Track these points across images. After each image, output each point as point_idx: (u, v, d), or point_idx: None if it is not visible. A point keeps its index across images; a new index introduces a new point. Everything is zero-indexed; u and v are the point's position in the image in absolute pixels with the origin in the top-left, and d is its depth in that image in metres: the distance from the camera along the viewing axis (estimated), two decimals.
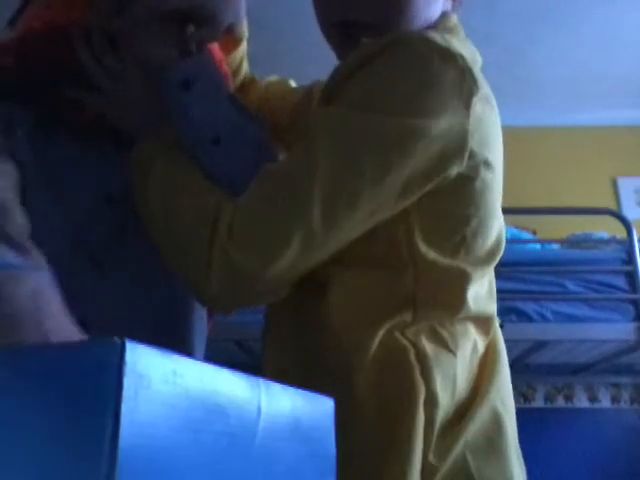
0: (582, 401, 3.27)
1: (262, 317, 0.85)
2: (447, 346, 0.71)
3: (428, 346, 0.70)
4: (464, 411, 0.70)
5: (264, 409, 0.36)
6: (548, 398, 3.28)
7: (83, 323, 0.73)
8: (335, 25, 0.82)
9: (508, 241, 3.19)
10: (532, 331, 2.38)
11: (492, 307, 0.81)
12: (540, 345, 2.53)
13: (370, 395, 0.68)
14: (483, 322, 0.78)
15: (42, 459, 0.28)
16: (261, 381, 0.36)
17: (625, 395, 3.28)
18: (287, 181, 0.68)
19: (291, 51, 3.17)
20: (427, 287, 0.72)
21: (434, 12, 0.82)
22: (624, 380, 3.27)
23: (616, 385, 3.29)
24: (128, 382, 0.27)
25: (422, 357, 0.68)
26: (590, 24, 3.12)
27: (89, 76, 0.78)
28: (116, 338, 0.28)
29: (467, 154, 0.70)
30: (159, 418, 0.29)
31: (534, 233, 3.23)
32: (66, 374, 0.29)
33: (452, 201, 0.73)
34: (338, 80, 0.75)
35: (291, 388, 0.39)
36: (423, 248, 0.71)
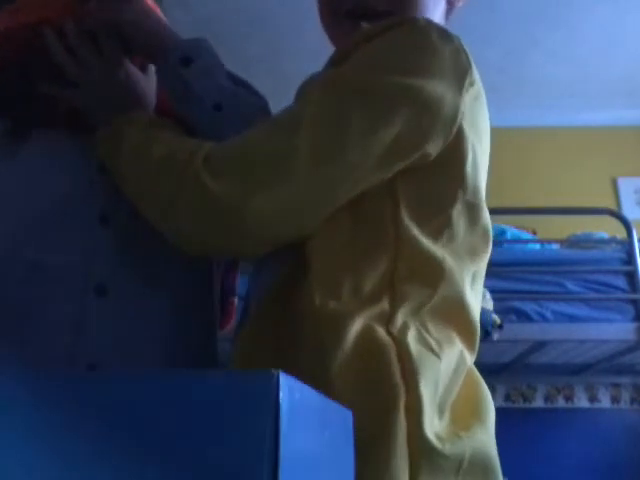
0: (582, 401, 3.27)
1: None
2: (431, 348, 0.66)
3: (412, 344, 0.64)
4: (451, 432, 0.64)
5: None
6: (548, 398, 3.28)
7: (93, 365, 0.71)
8: (346, 14, 0.82)
9: (508, 241, 3.20)
10: (532, 331, 2.38)
11: (475, 313, 0.75)
12: (540, 345, 2.53)
13: (347, 377, 0.62)
14: (466, 329, 0.73)
15: None
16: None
17: (625, 395, 3.28)
18: (275, 125, 0.68)
19: (291, 51, 3.17)
20: (406, 265, 0.69)
21: (436, 17, 0.83)
22: (624, 380, 3.27)
23: (616, 385, 3.29)
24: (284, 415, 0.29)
25: (404, 355, 0.63)
26: (590, 24, 3.12)
27: (62, 69, 0.79)
28: (273, 370, 0.29)
29: (455, 130, 0.70)
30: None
31: (534, 233, 3.23)
32: (223, 404, 0.30)
33: (441, 180, 0.72)
34: (337, 58, 0.75)
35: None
36: (408, 224, 0.69)
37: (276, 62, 3.27)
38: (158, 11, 0.85)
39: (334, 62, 0.76)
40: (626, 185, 3.74)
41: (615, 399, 3.27)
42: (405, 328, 0.65)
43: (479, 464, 0.64)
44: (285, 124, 0.67)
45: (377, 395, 0.61)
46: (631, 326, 2.38)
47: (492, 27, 3.09)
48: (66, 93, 0.80)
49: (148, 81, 0.84)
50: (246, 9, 3.04)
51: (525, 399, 3.27)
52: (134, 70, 0.82)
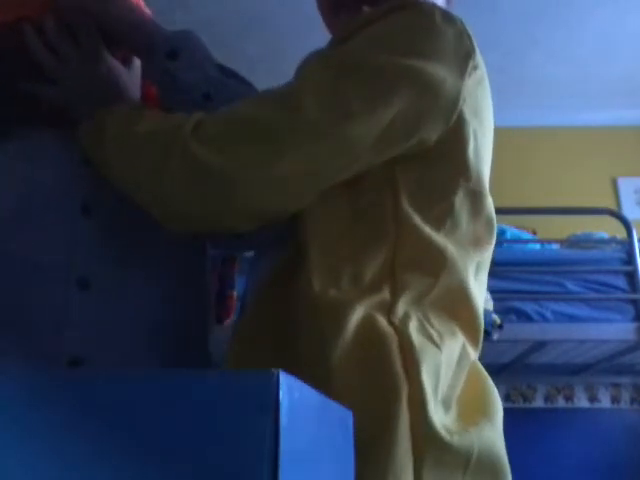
0: (582, 401, 3.27)
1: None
2: (432, 339, 0.64)
3: (414, 334, 0.63)
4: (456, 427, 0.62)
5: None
6: (548, 398, 3.28)
7: (76, 361, 0.70)
8: (345, 3, 0.81)
9: (508, 241, 3.19)
10: (532, 331, 2.38)
11: (479, 306, 0.73)
12: (540, 345, 2.53)
13: (348, 367, 0.61)
14: (469, 323, 0.71)
15: None
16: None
17: (625, 395, 3.28)
18: (273, 98, 0.66)
19: (291, 51, 3.17)
20: (407, 254, 0.67)
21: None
22: (624, 380, 3.27)
23: (616, 385, 3.29)
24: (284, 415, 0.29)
25: (406, 345, 0.61)
26: (590, 24, 3.12)
27: (42, 66, 0.77)
28: (273, 370, 0.29)
29: (456, 115, 0.68)
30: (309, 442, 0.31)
31: (534, 233, 3.23)
32: (223, 404, 0.30)
33: (442, 167, 0.70)
34: (338, 40, 0.74)
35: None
36: (409, 212, 0.68)
37: (276, 62, 3.27)
38: (142, 5, 0.84)
39: (335, 44, 0.75)
40: (626, 185, 3.74)
41: (615, 399, 3.27)
42: (407, 318, 0.64)
43: (488, 463, 0.63)
44: (283, 98, 0.66)
45: (378, 386, 0.60)
46: (631, 326, 2.38)
47: (492, 27, 3.08)
48: (47, 92, 0.79)
49: (131, 75, 0.83)
50: (246, 10, 3.04)
51: (525, 399, 3.27)
52: (116, 64, 0.81)
